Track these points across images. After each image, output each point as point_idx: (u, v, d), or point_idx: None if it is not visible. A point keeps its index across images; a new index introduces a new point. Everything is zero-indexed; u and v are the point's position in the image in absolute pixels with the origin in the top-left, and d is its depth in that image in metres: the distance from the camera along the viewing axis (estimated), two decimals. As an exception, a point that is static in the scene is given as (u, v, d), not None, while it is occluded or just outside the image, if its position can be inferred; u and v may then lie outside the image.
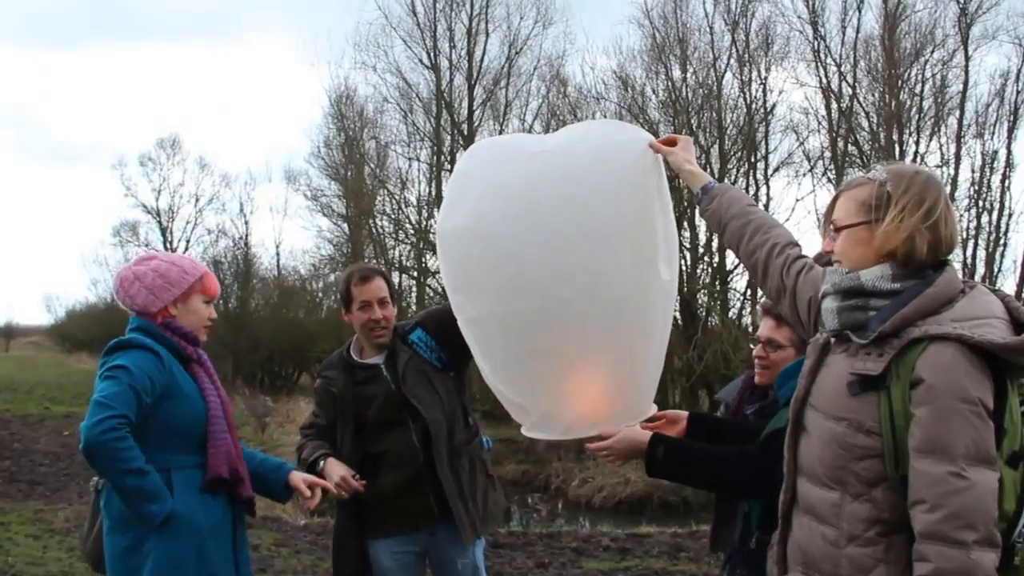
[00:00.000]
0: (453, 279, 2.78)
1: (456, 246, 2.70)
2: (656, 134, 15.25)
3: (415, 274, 25.96)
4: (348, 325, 4.05)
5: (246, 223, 37.87)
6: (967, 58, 22.58)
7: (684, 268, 19.25)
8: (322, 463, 3.76)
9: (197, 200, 42.28)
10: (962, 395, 2.05)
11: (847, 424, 2.20)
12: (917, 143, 23.04)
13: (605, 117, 20.82)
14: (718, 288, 19.37)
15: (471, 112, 25.77)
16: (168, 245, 42.83)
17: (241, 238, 37.76)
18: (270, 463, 3.63)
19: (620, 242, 2.56)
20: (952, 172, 22.54)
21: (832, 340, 2.33)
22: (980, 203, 22.35)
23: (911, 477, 2.08)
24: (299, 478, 3.55)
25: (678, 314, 19.81)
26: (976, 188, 22.40)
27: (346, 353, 4.02)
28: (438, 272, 25.75)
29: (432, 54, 25.26)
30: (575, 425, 2.75)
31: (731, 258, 20.09)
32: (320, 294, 32.38)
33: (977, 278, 22.37)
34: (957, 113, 22.79)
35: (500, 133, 24.10)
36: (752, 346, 3.54)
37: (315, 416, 4.07)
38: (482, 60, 25.64)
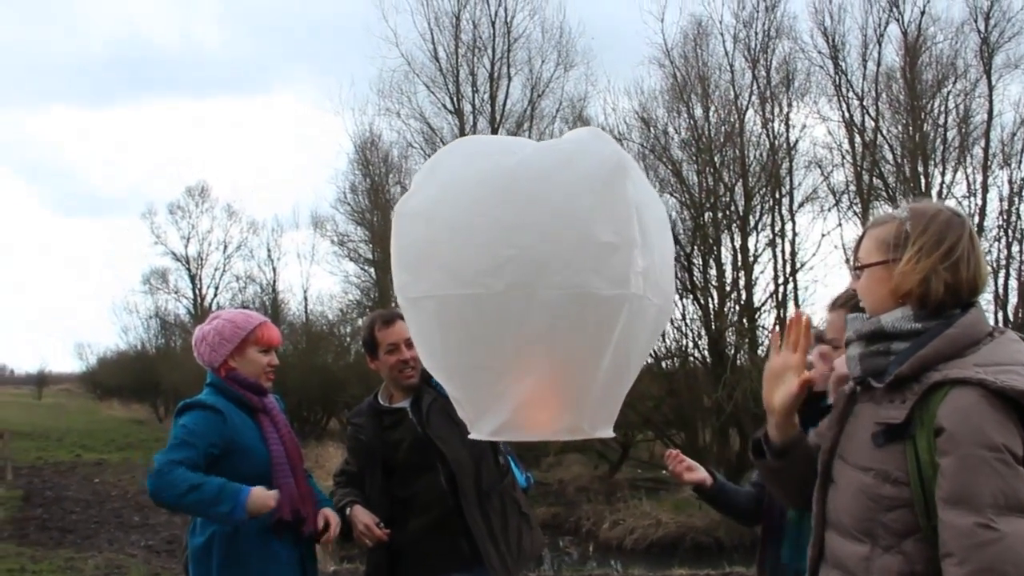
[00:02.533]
0: (399, 258, 2.72)
1: (406, 226, 2.68)
2: (679, 174, 15.25)
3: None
4: (375, 371, 4.05)
5: (274, 269, 38.39)
6: (990, 87, 22.50)
7: (712, 306, 19.17)
8: (349, 511, 3.77)
9: (225, 247, 42.97)
10: (986, 442, 1.95)
11: (874, 474, 2.11)
12: (943, 174, 22.94)
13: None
14: (746, 325, 19.22)
15: (495, 155, 25.81)
16: (197, 292, 43.35)
17: (269, 284, 38.28)
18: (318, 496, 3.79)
19: (565, 242, 2.40)
20: (980, 202, 22.40)
21: (858, 389, 2.26)
22: (1010, 232, 22.18)
23: (940, 529, 1.99)
24: (327, 512, 3.71)
25: (706, 352, 19.70)
26: (1005, 217, 22.23)
27: (374, 399, 4.02)
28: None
29: (455, 99, 25.50)
30: (502, 429, 2.60)
31: (759, 295, 20.00)
32: (348, 339, 32.52)
33: (1010, 308, 22.16)
34: (982, 143, 22.68)
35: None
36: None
37: (346, 463, 4.08)
38: (505, 103, 25.83)
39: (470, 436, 2.73)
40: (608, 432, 2.71)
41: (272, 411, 3.66)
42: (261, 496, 3.35)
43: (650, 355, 20.04)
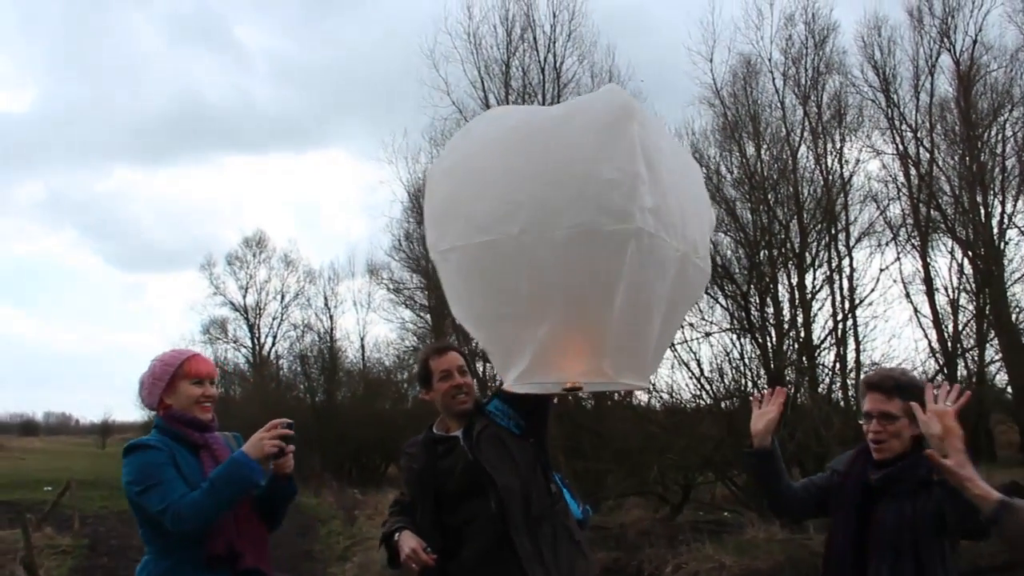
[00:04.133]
0: (429, 215, 2.84)
1: (435, 184, 2.81)
2: (733, 212, 15.12)
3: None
4: (432, 410, 4.10)
5: (331, 317, 38.73)
6: (1049, 113, 22.19)
7: (770, 345, 18.95)
8: (397, 536, 3.82)
9: (283, 296, 43.59)
10: None
11: None
12: (1003, 203, 22.58)
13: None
14: (805, 364, 18.94)
15: (547, 199, 25.94)
16: (256, 341, 43.94)
17: (326, 332, 38.55)
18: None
19: (571, 184, 2.45)
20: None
21: None
22: (1074, 263, 21.70)
23: None
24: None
25: (766, 392, 19.37)
26: (1069, 247, 21.77)
27: (429, 430, 4.07)
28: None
29: (506, 145, 25.68)
30: (526, 374, 2.65)
31: (817, 331, 19.73)
32: (405, 385, 32.67)
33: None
34: (1044, 170, 22.33)
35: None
36: (862, 422, 3.50)
37: (401, 494, 4.14)
38: (555, 148, 25.92)
39: (503, 387, 2.77)
40: (640, 382, 2.76)
41: (214, 447, 3.69)
42: (254, 445, 3.48)
43: (708, 394, 19.94)
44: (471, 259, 2.62)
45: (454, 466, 3.86)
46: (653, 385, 19.07)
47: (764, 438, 3.79)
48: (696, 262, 2.77)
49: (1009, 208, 22.48)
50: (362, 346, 36.91)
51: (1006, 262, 22.39)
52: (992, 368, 22.10)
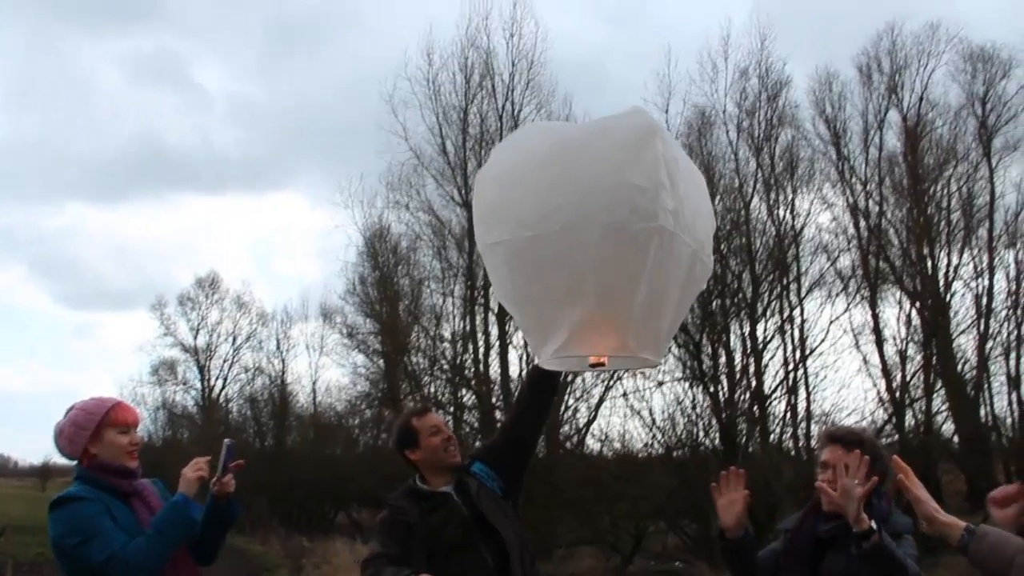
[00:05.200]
0: (478, 215, 3.32)
1: (483, 188, 3.31)
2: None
3: (451, 409, 25.86)
4: (392, 463, 4.20)
5: (283, 361, 38.24)
6: (991, 170, 22.79)
7: (721, 394, 19.05)
8: None
9: (235, 339, 42.96)
10: None
11: None
12: (948, 256, 23.06)
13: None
14: (756, 413, 19.07)
15: (502, 246, 25.91)
16: (206, 383, 43.26)
17: (277, 375, 38.06)
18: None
19: (603, 189, 2.93)
20: (987, 283, 22.47)
21: None
22: (1019, 312, 22.14)
23: None
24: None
25: (717, 441, 19.50)
26: (1013, 298, 22.23)
27: (414, 484, 4.08)
28: (474, 408, 25.65)
29: (463, 191, 25.68)
30: (562, 349, 3.06)
31: (768, 381, 19.89)
32: (357, 431, 32.29)
33: (1023, 390, 22.01)
34: (987, 224, 22.86)
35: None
36: (818, 471, 3.62)
37: (383, 547, 3.99)
38: (512, 194, 26.01)
39: (536, 362, 3.15)
40: (655, 356, 3.20)
41: (145, 494, 3.65)
42: (187, 481, 3.56)
43: (660, 443, 19.94)
44: (516, 251, 3.09)
45: (446, 521, 3.90)
46: (605, 435, 19.06)
47: (737, 531, 3.72)
48: (703, 259, 3.22)
49: (955, 260, 22.98)
50: (314, 390, 36.50)
51: (952, 314, 22.84)
52: (939, 418, 22.43)
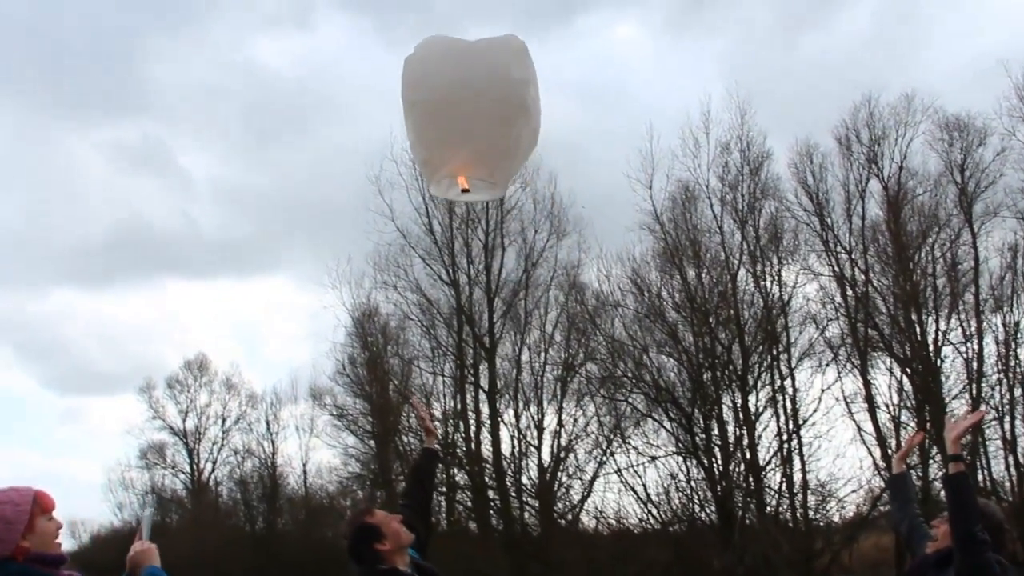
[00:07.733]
0: (406, 81, 4.07)
1: (411, 66, 4.07)
2: (675, 335, 15.42)
3: (443, 489, 25.56)
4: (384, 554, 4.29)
5: (272, 442, 37.80)
6: (974, 235, 22.98)
7: (716, 467, 18.93)
8: None
9: (224, 421, 42.45)
10: None
11: None
12: (936, 321, 23.11)
13: (623, 323, 21.34)
14: (752, 485, 18.91)
15: (492, 324, 26.00)
16: (195, 466, 42.68)
17: (268, 457, 37.59)
18: None
19: (496, 78, 3.88)
20: (976, 347, 22.50)
21: None
22: (1010, 376, 22.15)
23: None
24: None
25: (713, 514, 19.29)
26: (1004, 361, 22.25)
27: (392, 568, 4.22)
28: (467, 487, 25.38)
29: (451, 270, 25.81)
30: (447, 176, 3.99)
31: (762, 452, 19.78)
32: (349, 512, 31.80)
33: (1020, 452, 21.91)
34: (972, 288, 22.97)
35: (522, 343, 25.30)
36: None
37: None
38: (500, 273, 26.11)
39: (430, 188, 4.13)
40: (502, 191, 4.16)
41: None
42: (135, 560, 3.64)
43: (655, 519, 19.67)
44: (430, 108, 3.97)
45: None
46: (600, 511, 18.82)
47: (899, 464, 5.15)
48: (535, 127, 4.14)
49: (943, 326, 23.03)
50: (304, 472, 36.01)
51: (943, 378, 22.81)
52: (937, 484, 22.23)
